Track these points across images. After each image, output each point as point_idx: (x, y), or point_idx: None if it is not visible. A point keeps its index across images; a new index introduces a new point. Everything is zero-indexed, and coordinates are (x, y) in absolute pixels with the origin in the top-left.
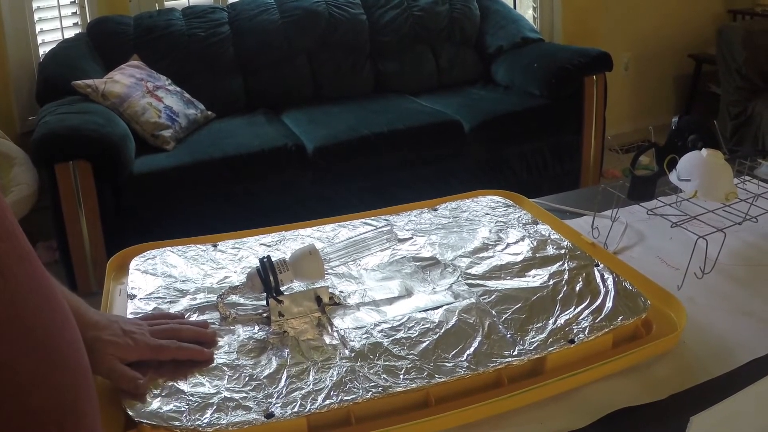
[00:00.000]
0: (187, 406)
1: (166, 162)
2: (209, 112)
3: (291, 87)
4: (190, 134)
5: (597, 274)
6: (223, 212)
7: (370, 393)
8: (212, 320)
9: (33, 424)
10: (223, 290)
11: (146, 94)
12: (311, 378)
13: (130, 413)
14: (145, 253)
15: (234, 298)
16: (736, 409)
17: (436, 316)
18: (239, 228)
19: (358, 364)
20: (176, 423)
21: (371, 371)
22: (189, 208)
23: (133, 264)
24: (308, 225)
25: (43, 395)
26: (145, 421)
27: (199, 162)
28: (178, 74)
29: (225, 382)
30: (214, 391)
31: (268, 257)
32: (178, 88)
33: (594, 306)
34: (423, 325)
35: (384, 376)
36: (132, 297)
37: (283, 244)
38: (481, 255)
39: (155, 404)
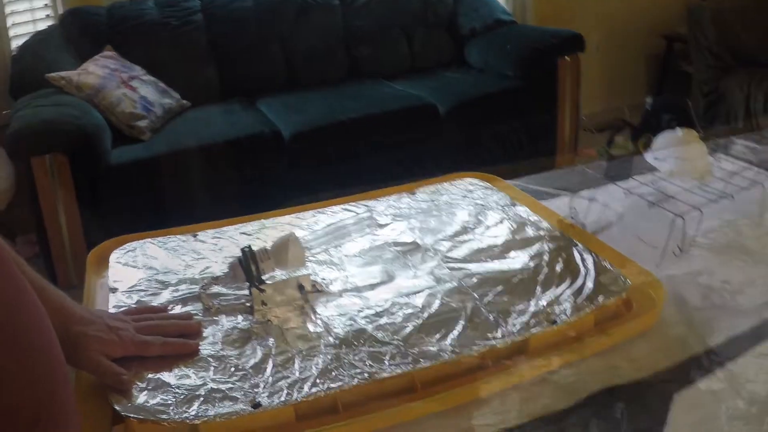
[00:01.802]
0: (173, 399)
1: (143, 152)
2: (185, 101)
3: (265, 74)
4: (166, 124)
5: (576, 255)
6: (202, 201)
7: (356, 380)
8: (195, 311)
9: (8, 421)
10: (206, 281)
11: (121, 84)
12: (297, 366)
13: (117, 408)
14: (125, 246)
15: (216, 288)
16: (717, 386)
17: (418, 300)
18: (218, 217)
19: (343, 351)
20: (163, 416)
21: (356, 358)
22: (167, 198)
23: (113, 257)
24: (287, 212)
25: (16, 391)
26: (132, 415)
27: (176, 151)
28: (153, 64)
29: (211, 373)
30: (200, 383)
31: (249, 247)
32: (153, 78)
33: (575, 286)
34: (406, 310)
35: (369, 362)
36: (114, 290)
37: (263, 232)
38: (461, 238)
39: (142, 398)
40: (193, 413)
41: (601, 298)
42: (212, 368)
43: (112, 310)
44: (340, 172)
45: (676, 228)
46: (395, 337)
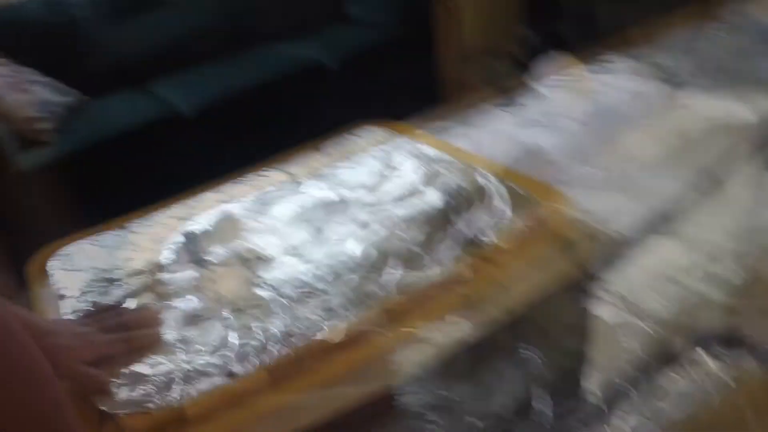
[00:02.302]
0: (154, 388)
1: (50, 154)
2: (84, 96)
3: (155, 56)
4: (68, 122)
5: (485, 182)
6: (120, 193)
7: (318, 334)
8: (149, 301)
9: None
10: (152, 270)
11: (14, 90)
12: (259, 333)
13: (103, 408)
14: (60, 251)
15: (164, 275)
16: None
17: (353, 250)
18: (138, 206)
19: (298, 310)
20: (150, 405)
21: (312, 314)
22: (83, 196)
23: (52, 264)
24: (208, 189)
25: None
26: (119, 411)
27: (84, 148)
28: (44, 64)
29: (181, 356)
30: (174, 367)
31: (189, 230)
32: (47, 78)
33: (491, 212)
34: (345, 261)
35: (324, 315)
36: (62, 297)
37: (191, 212)
38: (378, 185)
39: (123, 393)
40: (177, 396)
41: (516, 220)
42: (181, 351)
43: (69, 317)
44: (246, 141)
45: (563, 143)
46: (342, 288)
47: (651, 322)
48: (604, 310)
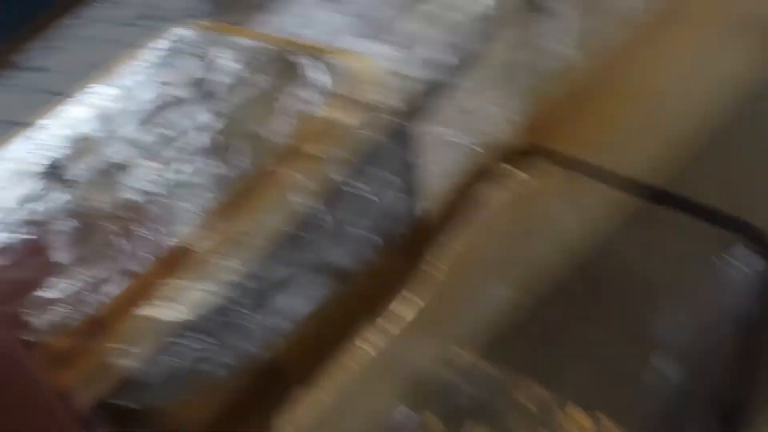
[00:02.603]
0: (68, 307)
1: None
2: None
3: None
4: None
5: (304, 60)
6: None
7: (195, 220)
8: (31, 234)
9: None
10: (22, 203)
11: None
12: (144, 231)
13: (31, 339)
14: None
15: (36, 205)
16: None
17: (204, 142)
18: None
19: (171, 204)
20: (69, 322)
21: (185, 204)
22: None
23: None
24: (46, 117)
25: None
26: (42, 337)
27: None
28: None
29: (80, 273)
30: (78, 285)
31: (47, 157)
32: None
33: (315, 85)
34: (197, 153)
35: (195, 205)
36: None
37: (38, 142)
38: (205, 81)
39: (42, 320)
40: (94, 307)
41: (339, 88)
42: (77, 270)
43: None
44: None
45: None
46: (202, 175)
47: (470, 147)
48: (428, 145)
